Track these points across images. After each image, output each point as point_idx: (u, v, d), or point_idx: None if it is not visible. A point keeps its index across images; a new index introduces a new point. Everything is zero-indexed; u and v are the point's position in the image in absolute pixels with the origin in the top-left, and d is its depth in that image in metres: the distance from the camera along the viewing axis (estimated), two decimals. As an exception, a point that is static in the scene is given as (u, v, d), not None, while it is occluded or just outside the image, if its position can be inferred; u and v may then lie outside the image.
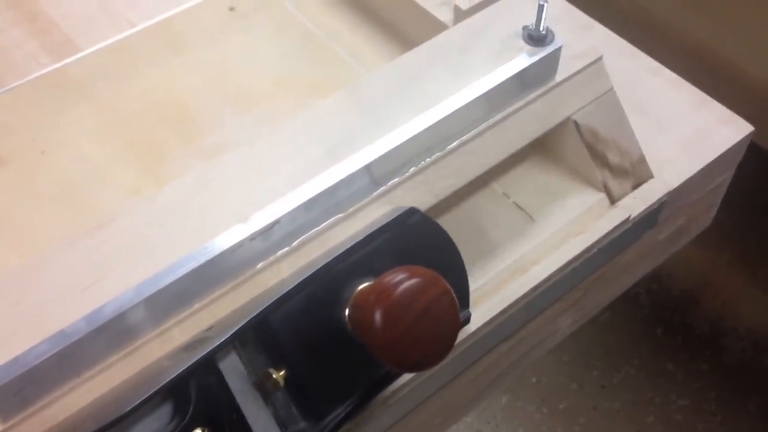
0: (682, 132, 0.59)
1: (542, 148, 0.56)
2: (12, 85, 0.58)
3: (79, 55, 0.59)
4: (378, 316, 0.40)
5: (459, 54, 0.52)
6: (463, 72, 0.50)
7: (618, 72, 0.61)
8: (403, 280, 0.41)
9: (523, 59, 0.50)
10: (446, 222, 0.52)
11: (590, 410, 1.33)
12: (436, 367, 0.44)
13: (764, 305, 1.40)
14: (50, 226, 0.50)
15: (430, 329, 0.40)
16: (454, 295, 0.42)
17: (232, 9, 0.63)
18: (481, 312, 0.49)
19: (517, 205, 0.54)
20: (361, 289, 0.43)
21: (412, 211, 0.46)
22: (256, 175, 0.46)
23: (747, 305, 1.41)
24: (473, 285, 0.50)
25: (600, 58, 0.53)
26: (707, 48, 1.03)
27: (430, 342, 0.40)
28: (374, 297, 0.41)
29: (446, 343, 0.41)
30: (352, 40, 0.62)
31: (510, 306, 0.50)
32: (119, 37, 0.61)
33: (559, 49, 0.51)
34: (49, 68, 0.58)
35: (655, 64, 0.62)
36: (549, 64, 0.51)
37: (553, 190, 0.54)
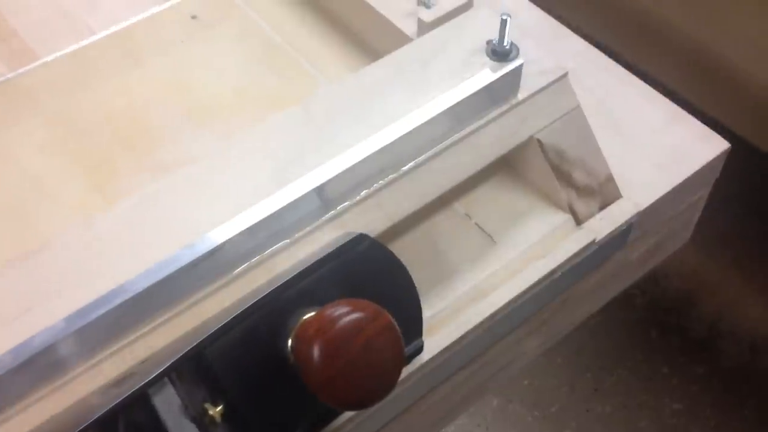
0: (655, 149, 0.57)
1: (507, 167, 0.54)
2: (-39, 96, 0.56)
3: (33, 65, 0.57)
4: (316, 350, 0.38)
5: (420, 69, 0.50)
6: (423, 88, 0.49)
7: (592, 85, 0.59)
8: (344, 314, 0.39)
9: (484, 75, 0.49)
10: (403, 244, 0.51)
11: (582, 413, 1.32)
12: (382, 403, 0.42)
13: (762, 308, 1.38)
14: (-10, 245, 0.48)
15: (370, 366, 0.39)
16: (397, 330, 0.40)
17: (194, 17, 0.61)
18: (437, 340, 0.47)
19: (479, 226, 0.52)
20: (303, 321, 0.41)
21: (361, 238, 0.44)
22: (202, 197, 0.44)
23: (744, 308, 1.39)
24: (429, 311, 0.48)
25: (565, 75, 0.51)
26: (706, 48, 1.01)
27: (370, 380, 0.39)
28: (313, 331, 0.39)
29: (388, 380, 0.39)
30: (316, 50, 0.60)
31: (468, 333, 0.48)
32: (76, 46, 0.59)
33: (520, 67, 0.49)
34: (1, 78, 0.56)
35: (630, 77, 0.60)
36: (511, 81, 0.49)
37: (517, 210, 0.52)
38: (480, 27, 0.51)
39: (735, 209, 1.45)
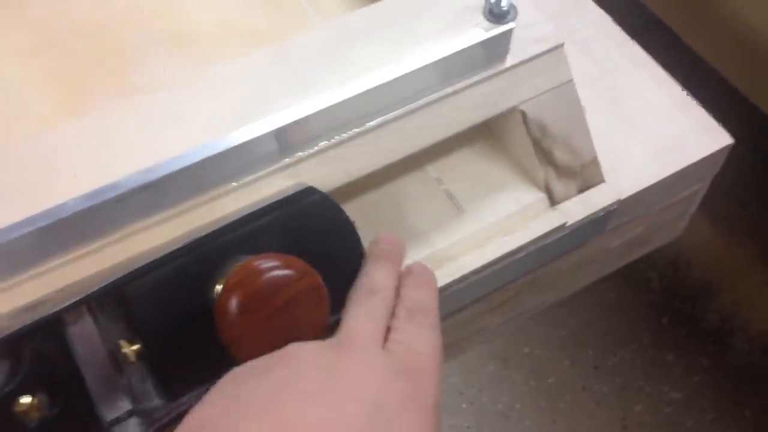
0: (654, 134, 0.53)
1: (492, 136, 0.51)
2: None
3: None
4: (233, 303, 0.37)
5: (409, 20, 0.47)
6: (407, 40, 0.46)
7: (601, 58, 0.56)
8: (270, 268, 0.38)
9: (471, 35, 0.46)
10: (366, 202, 0.49)
11: (579, 389, 1.30)
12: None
13: (779, 309, 1.34)
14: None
15: (287, 328, 0.37)
16: (324, 292, 0.38)
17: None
18: (382, 306, 0.45)
19: (449, 193, 0.49)
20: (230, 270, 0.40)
21: (310, 191, 0.42)
22: (159, 125, 0.42)
23: (762, 306, 1.35)
24: (379, 275, 0.46)
25: (560, 46, 0.48)
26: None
27: (285, 342, 0.37)
28: (234, 281, 0.37)
29: (306, 343, 0.38)
30: (315, -13, 0.57)
31: (417, 302, 0.46)
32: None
33: (510, 31, 0.46)
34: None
35: (643, 56, 0.57)
36: (499, 45, 0.46)
37: (492, 182, 0.50)
38: (483, -18, 0.48)
39: (765, 201, 1.40)
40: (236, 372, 0.36)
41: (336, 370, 0.35)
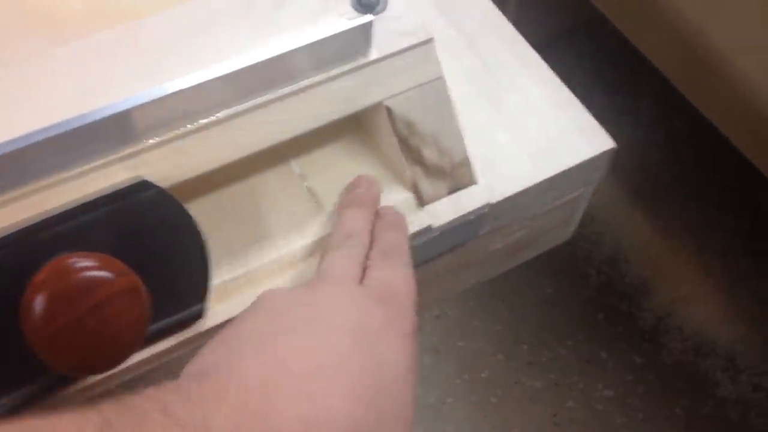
0: (533, 136, 0.51)
1: (360, 132, 0.49)
2: None
3: None
4: (38, 301, 0.34)
5: (273, 6, 0.45)
6: (266, 28, 0.44)
7: (485, 52, 0.54)
8: (83, 268, 0.36)
9: (330, 26, 0.43)
10: (220, 197, 0.47)
11: (511, 384, 1.29)
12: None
13: (715, 309, 1.34)
14: None
15: (97, 332, 0.35)
16: (143, 295, 0.36)
17: None
18: (227, 307, 0.43)
19: (310, 190, 0.47)
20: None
21: (144, 185, 0.40)
22: (-6, 104, 0.40)
23: (697, 306, 1.35)
24: (230, 274, 0.44)
25: (430, 41, 0.45)
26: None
27: (94, 346, 0.35)
28: (42, 278, 0.35)
29: (119, 349, 0.36)
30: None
31: (268, 304, 0.44)
32: None
33: (369, 23, 0.44)
34: None
35: (531, 54, 0.55)
36: (359, 38, 0.44)
37: (357, 180, 0.48)
38: (353, -29, 0.45)
39: (707, 201, 1.40)
40: (227, 326, 0.37)
41: (317, 303, 0.37)
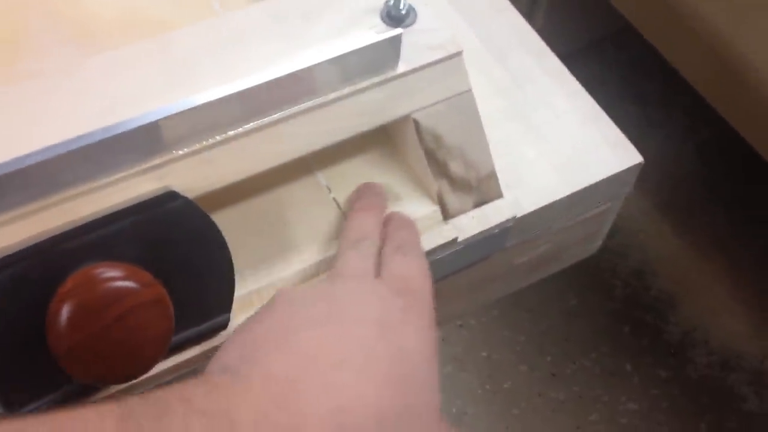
0: (561, 150, 0.51)
1: (388, 145, 0.49)
2: None
3: None
4: (64, 312, 0.35)
5: (302, 20, 0.45)
6: (296, 41, 0.44)
7: (515, 67, 0.54)
8: (110, 278, 0.36)
9: (359, 39, 0.43)
10: (247, 208, 0.47)
11: (534, 396, 1.28)
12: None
13: (742, 323, 1.33)
14: None
15: (122, 342, 0.35)
16: (168, 306, 0.36)
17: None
18: (252, 317, 0.43)
19: (337, 202, 0.47)
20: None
21: (172, 195, 0.40)
22: (22, 118, 0.40)
23: (725, 320, 1.33)
24: (254, 285, 0.44)
25: (459, 54, 0.45)
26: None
27: (119, 356, 0.35)
28: (68, 288, 0.35)
29: (143, 360, 0.36)
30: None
31: (292, 315, 0.44)
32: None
33: (399, 36, 0.43)
34: None
35: (559, 67, 0.54)
36: (388, 51, 0.44)
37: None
38: (387, -18, 0.45)
39: (736, 214, 1.39)
40: (245, 322, 0.37)
41: (336, 297, 0.38)
